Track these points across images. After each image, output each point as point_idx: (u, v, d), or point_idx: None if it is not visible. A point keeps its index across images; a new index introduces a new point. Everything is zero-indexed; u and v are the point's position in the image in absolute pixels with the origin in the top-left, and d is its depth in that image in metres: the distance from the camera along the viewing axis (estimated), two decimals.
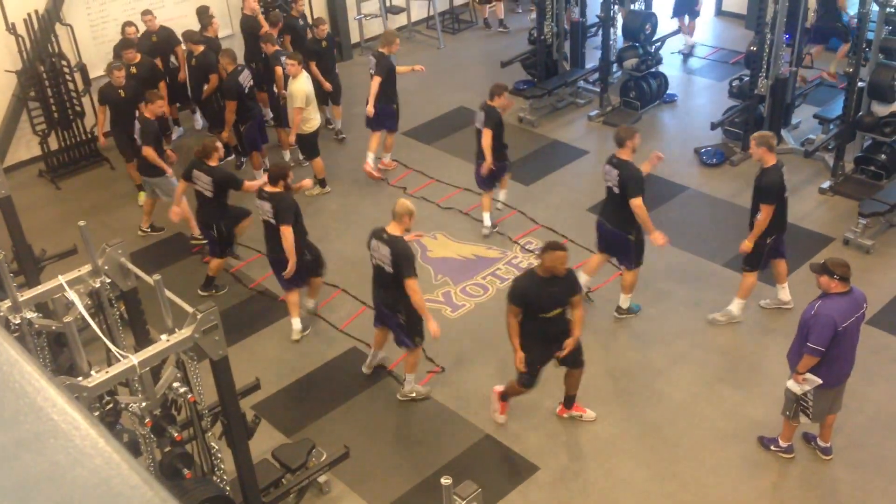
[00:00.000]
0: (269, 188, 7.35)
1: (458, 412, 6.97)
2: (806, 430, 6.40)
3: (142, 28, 10.55)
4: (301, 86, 9.28)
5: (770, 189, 7.05)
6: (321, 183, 9.97)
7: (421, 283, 8.29)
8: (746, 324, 7.61)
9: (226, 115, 9.87)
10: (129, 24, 10.33)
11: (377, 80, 9.69)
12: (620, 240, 7.50)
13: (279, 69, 10.15)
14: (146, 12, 10.57)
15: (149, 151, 8.75)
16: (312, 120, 9.55)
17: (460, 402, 7.05)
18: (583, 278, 7.61)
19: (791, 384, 5.95)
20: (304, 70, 9.45)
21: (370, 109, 9.74)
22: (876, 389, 6.87)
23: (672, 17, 12.63)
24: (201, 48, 10.16)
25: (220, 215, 8.11)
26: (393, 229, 6.54)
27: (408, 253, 6.53)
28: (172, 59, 10.83)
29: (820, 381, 5.80)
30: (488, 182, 8.97)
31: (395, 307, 6.70)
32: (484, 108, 8.65)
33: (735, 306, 7.59)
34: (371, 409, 7.10)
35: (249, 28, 11.01)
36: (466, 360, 7.46)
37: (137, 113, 9.01)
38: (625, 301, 7.78)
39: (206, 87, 10.22)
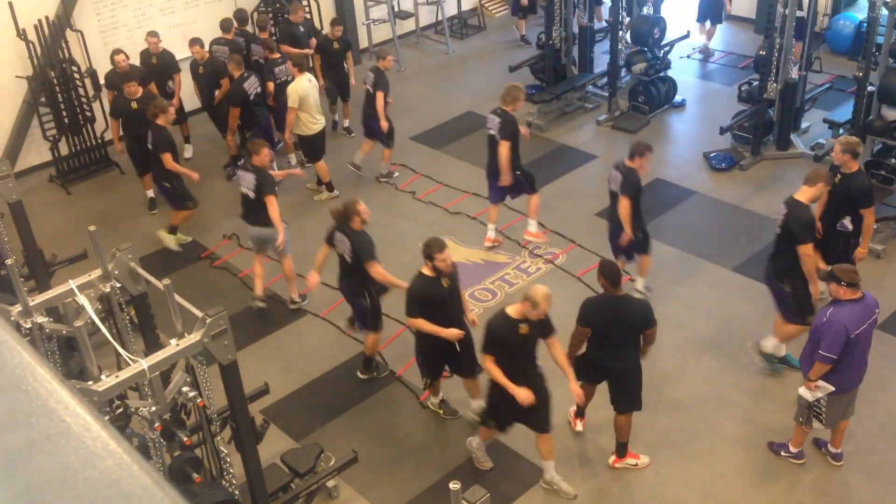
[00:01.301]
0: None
1: (467, 416, 6.96)
2: (816, 435, 6.37)
3: (132, 55, 10.28)
4: (294, 86, 9.36)
5: (868, 192, 7.06)
6: (328, 187, 10.00)
7: None
8: (757, 328, 7.57)
9: (229, 120, 9.91)
10: (117, 51, 9.91)
11: (506, 145, 8.28)
12: (775, 290, 6.92)
13: (270, 84, 10.28)
14: (152, 34, 10.38)
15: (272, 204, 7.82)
16: (314, 123, 9.58)
17: (468, 406, 7.04)
18: (770, 342, 7.07)
19: (803, 391, 5.92)
20: (305, 73, 9.48)
21: (507, 179, 8.43)
22: (887, 394, 6.83)
23: (697, 22, 12.74)
24: (208, 55, 10.20)
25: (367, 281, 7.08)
26: (515, 311, 5.73)
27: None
28: (169, 83, 10.55)
29: (832, 388, 5.76)
30: (626, 252, 7.80)
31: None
32: (621, 170, 7.52)
33: None
34: (379, 413, 7.10)
35: (290, 37, 11.03)
36: None
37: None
38: (777, 348, 7.07)
39: (217, 92, 10.28)
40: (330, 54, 10.94)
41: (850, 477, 6.23)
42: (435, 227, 9.39)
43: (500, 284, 8.49)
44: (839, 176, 7.11)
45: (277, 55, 10.39)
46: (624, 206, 7.39)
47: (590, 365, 6.18)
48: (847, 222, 7.12)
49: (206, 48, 10.41)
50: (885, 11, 8.60)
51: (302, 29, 11.24)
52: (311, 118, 9.53)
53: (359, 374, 7.43)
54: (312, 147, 9.83)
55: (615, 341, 6.02)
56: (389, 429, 6.95)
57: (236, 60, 9.92)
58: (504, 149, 8.28)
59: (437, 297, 6.21)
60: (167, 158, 8.70)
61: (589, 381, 6.34)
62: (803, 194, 6.64)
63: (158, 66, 10.44)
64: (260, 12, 12.07)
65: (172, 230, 9.34)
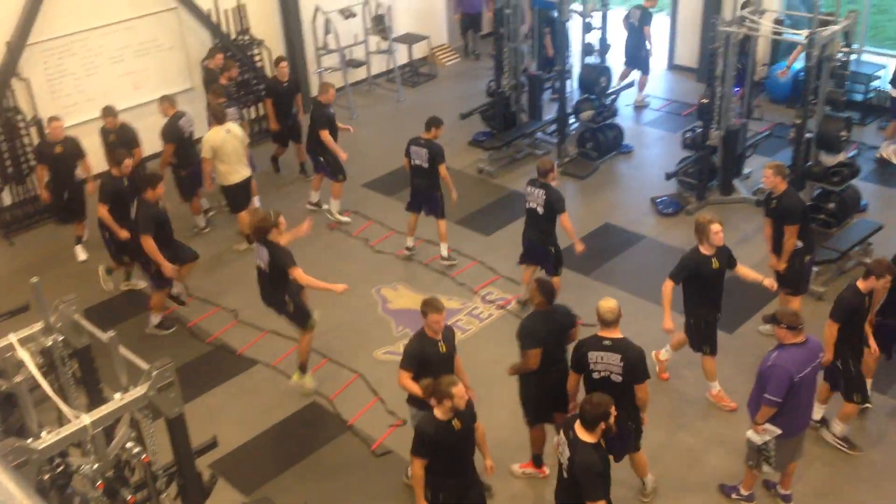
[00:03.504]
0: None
1: None
2: (766, 477, 6.43)
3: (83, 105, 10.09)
4: (207, 137, 9.42)
5: (792, 209, 7.49)
6: (248, 239, 9.57)
7: (382, 335, 8.29)
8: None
9: (162, 156, 9.78)
10: (55, 118, 9.42)
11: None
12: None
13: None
14: (53, 118, 9.49)
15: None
16: (231, 174, 9.52)
17: None
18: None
19: (751, 434, 5.99)
20: (226, 123, 9.47)
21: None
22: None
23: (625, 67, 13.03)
24: (119, 122, 9.77)
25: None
26: (612, 333, 5.87)
27: None
28: (78, 171, 9.66)
29: (779, 432, 5.84)
30: None
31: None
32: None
33: None
34: (331, 464, 7.00)
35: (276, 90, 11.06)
36: None
37: None
38: None
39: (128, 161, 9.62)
40: (281, 96, 10.94)
41: None
42: (386, 273, 9.39)
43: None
44: (774, 200, 7.61)
45: (174, 110, 10.14)
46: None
47: (553, 393, 6.27)
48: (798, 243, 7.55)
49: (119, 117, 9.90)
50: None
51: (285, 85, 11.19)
52: (228, 169, 9.48)
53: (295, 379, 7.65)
54: (233, 197, 9.71)
55: (560, 354, 6.24)
56: (341, 480, 6.84)
57: (169, 100, 9.87)
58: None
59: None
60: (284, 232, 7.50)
61: (552, 415, 6.40)
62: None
63: (64, 156, 9.47)
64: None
65: (302, 368, 7.73)
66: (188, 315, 8.90)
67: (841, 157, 9.09)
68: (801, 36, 9.17)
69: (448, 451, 5.46)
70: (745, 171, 10.79)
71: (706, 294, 7.02)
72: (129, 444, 4.16)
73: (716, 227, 6.80)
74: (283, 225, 7.24)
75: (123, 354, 4.17)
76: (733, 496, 6.38)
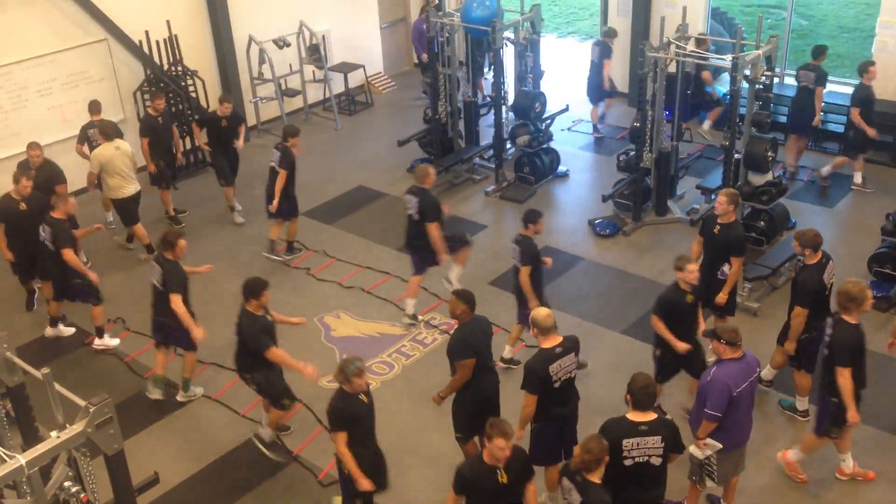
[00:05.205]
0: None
1: None
2: (709, 492, 6.53)
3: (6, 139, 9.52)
4: (96, 153, 9.77)
5: (739, 242, 7.65)
6: (147, 249, 10.17)
7: (325, 363, 8.22)
8: None
9: (60, 191, 9.45)
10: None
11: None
12: None
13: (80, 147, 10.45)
14: (23, 174, 8.80)
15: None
16: (122, 188, 9.84)
17: None
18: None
19: (693, 450, 6.09)
20: (115, 140, 9.77)
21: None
22: (773, 449, 7.08)
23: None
24: (43, 160, 9.40)
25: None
26: (550, 340, 6.05)
27: None
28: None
29: (720, 446, 5.95)
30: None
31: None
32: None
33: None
34: (277, 496, 6.89)
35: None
36: None
37: None
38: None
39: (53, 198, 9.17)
40: (219, 132, 10.84)
41: None
42: (329, 301, 9.33)
43: (398, 357, 8.47)
44: (718, 226, 7.69)
45: (98, 117, 10.44)
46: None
47: (489, 403, 6.36)
48: (726, 269, 7.66)
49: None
50: (745, 84, 9.22)
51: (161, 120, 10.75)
52: (119, 183, 9.79)
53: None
54: (124, 211, 10.07)
55: (490, 361, 6.44)
56: None
57: (35, 146, 9.41)
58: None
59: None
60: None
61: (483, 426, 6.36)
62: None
63: (29, 213, 8.68)
64: (143, 91, 11.96)
65: None
66: (126, 349, 8.70)
67: (768, 176, 9.38)
68: (725, 60, 9.47)
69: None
70: (679, 191, 11.06)
71: (858, 368, 6.24)
72: (67, 484, 4.05)
73: (870, 293, 6.23)
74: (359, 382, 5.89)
75: (59, 391, 4.05)
76: None
